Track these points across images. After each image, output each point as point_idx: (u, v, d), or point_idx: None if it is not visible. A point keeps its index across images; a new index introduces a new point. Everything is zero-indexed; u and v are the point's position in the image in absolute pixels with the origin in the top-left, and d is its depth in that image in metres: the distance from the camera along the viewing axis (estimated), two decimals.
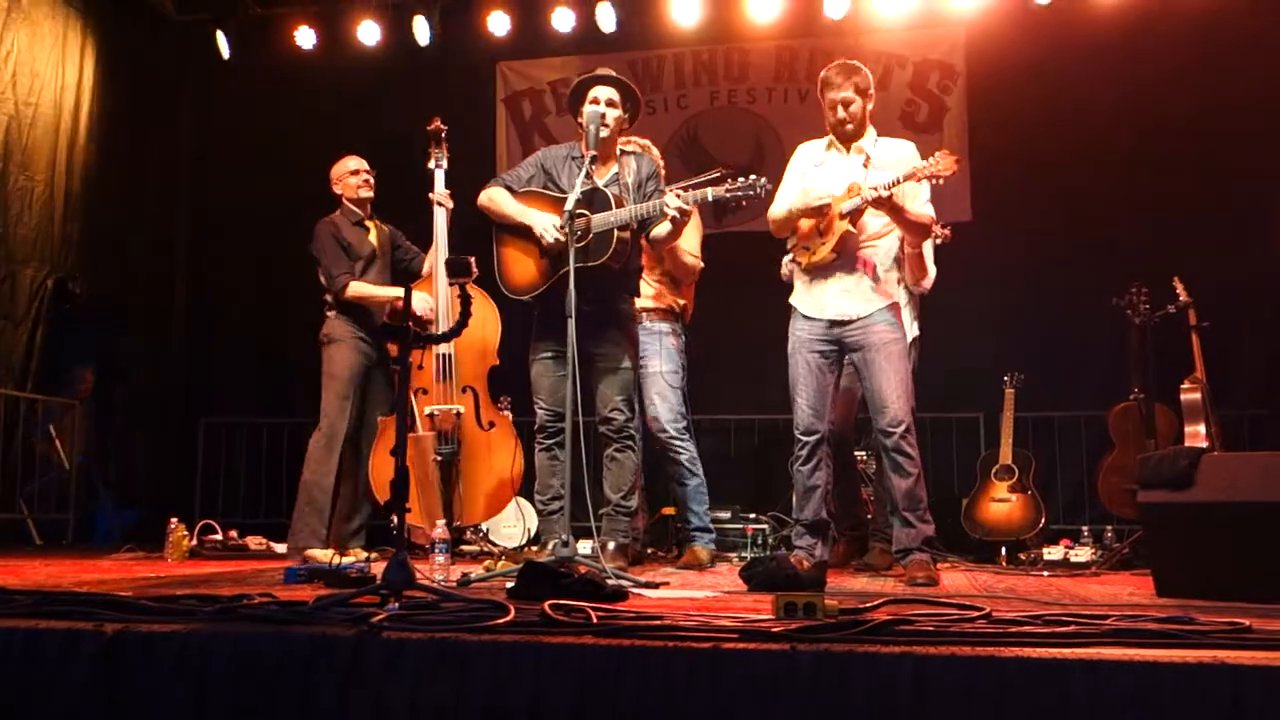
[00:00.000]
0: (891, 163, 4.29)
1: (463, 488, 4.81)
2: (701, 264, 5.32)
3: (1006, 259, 7.23)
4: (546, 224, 4.33)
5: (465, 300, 2.84)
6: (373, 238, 5.40)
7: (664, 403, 5.14)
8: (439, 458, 4.78)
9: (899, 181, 4.12)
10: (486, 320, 4.89)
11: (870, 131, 4.46)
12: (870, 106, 4.44)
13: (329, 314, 5.32)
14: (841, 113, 4.36)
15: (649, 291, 5.19)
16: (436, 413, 4.84)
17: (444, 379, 4.88)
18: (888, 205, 4.14)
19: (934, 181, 4.19)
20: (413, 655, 2.01)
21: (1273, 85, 6.94)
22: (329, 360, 5.26)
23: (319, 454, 5.16)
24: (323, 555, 4.81)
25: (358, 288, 5.21)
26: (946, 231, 5.40)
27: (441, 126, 5.19)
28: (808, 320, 4.40)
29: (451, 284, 2.83)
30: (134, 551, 5.56)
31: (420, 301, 5.01)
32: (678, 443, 5.17)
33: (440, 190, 5.14)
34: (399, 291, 4.94)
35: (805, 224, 4.39)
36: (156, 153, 8.43)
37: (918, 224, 4.33)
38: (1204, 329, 5.78)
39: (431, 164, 5.19)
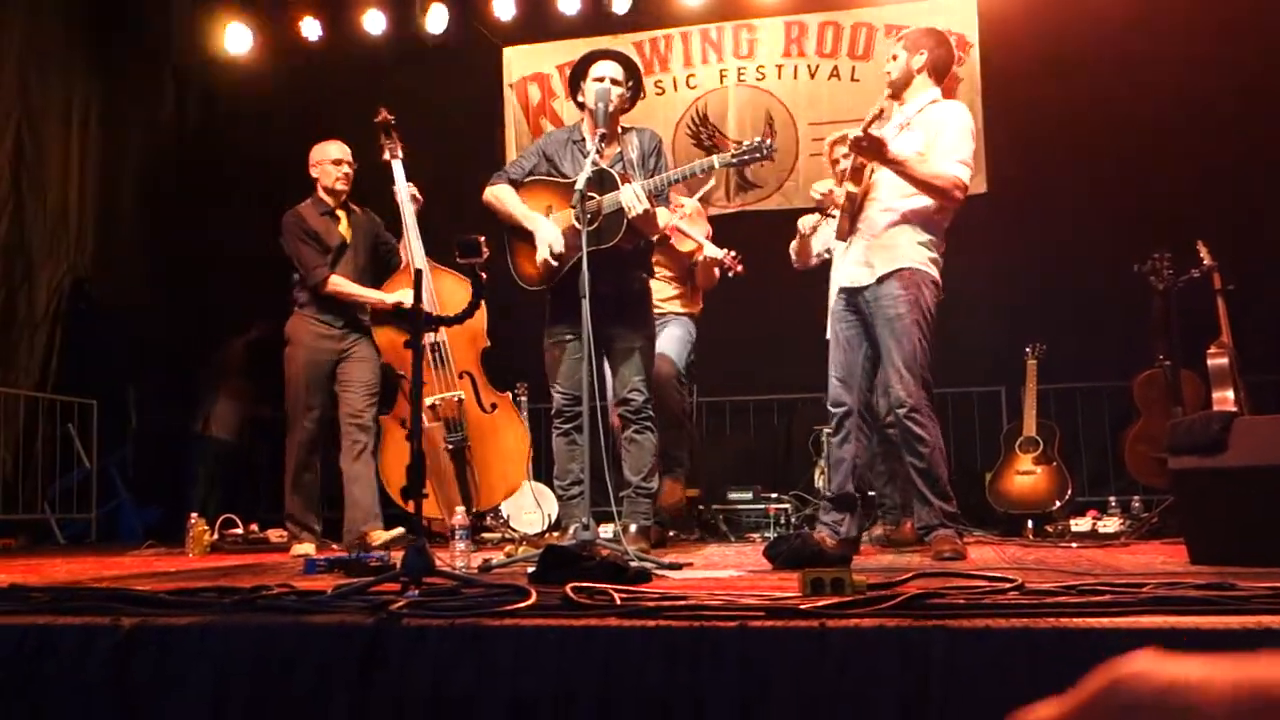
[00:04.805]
0: (929, 123, 4.15)
1: (477, 473, 4.79)
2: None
3: (1025, 230, 7.13)
4: (547, 238, 4.28)
5: (476, 281, 2.79)
6: (343, 228, 5.16)
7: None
8: (449, 446, 4.76)
9: (876, 118, 4.07)
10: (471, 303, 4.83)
11: (922, 96, 4.23)
12: (918, 62, 4.22)
13: (294, 310, 5.17)
14: (887, 66, 4.33)
15: (668, 292, 5.21)
16: (438, 402, 4.80)
17: (440, 366, 4.84)
18: (873, 152, 3.99)
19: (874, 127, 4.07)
20: (433, 642, 1.97)
21: None
22: (286, 362, 5.15)
23: (288, 454, 5.13)
24: (301, 549, 4.85)
25: (338, 283, 5.02)
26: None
27: (389, 117, 4.99)
28: (838, 291, 4.37)
29: (462, 264, 2.76)
30: (155, 548, 5.55)
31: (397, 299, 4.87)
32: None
33: (401, 183, 4.97)
34: (380, 295, 4.96)
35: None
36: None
37: (928, 183, 4.02)
38: (1230, 292, 5.67)
39: (386, 156, 5.03)
